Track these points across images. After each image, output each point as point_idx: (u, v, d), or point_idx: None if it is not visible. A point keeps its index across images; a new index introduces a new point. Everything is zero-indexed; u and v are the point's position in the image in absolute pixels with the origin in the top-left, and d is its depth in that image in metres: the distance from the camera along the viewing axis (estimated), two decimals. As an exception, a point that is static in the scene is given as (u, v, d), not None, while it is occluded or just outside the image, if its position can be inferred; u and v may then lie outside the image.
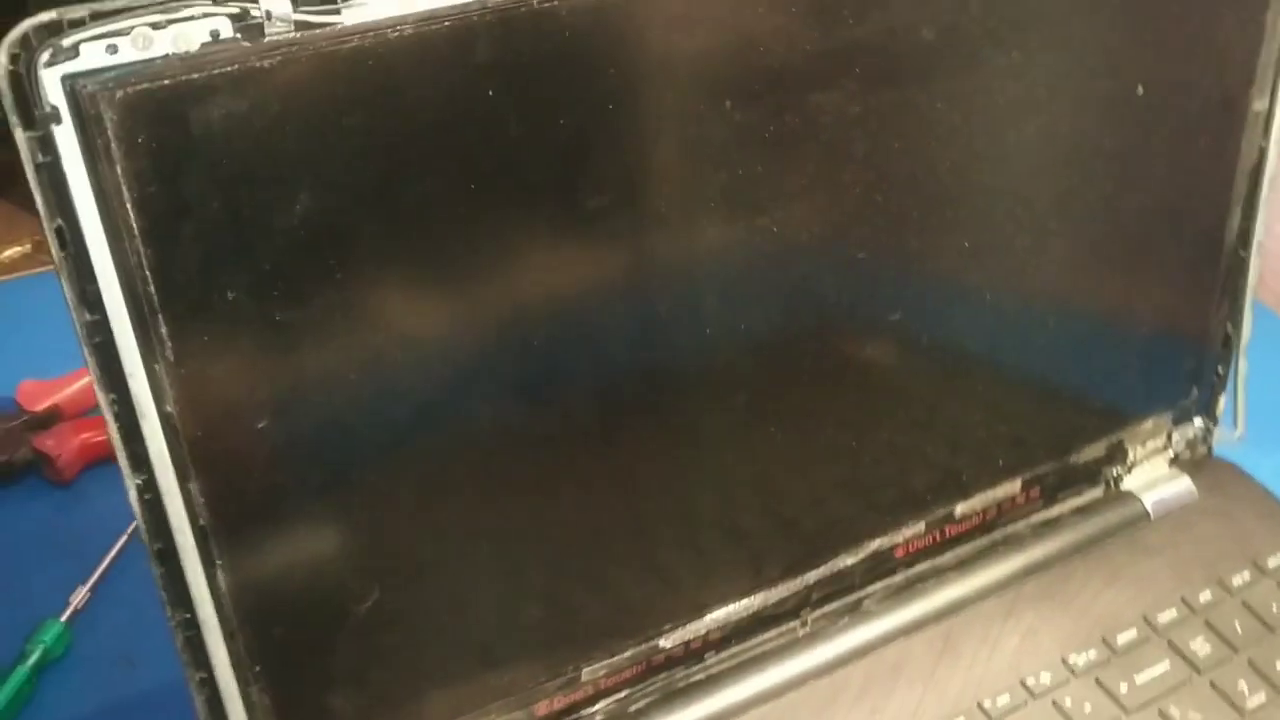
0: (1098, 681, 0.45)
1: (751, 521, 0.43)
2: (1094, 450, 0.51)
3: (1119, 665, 0.45)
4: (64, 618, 0.49)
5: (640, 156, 0.34)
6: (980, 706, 0.44)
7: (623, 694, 0.43)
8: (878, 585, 0.47)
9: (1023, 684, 0.45)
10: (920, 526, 0.47)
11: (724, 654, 0.45)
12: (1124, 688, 0.44)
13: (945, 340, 0.45)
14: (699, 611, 0.43)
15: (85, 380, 0.58)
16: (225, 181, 0.28)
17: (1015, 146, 0.43)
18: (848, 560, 0.46)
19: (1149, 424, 0.52)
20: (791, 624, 0.46)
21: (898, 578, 0.47)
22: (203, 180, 0.28)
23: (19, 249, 1.66)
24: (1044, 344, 0.47)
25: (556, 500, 0.39)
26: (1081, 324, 0.48)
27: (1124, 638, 0.46)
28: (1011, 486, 0.49)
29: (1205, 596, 0.48)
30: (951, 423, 0.46)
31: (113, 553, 0.51)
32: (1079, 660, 0.45)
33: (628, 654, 0.42)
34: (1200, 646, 0.46)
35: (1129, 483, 0.52)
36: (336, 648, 0.36)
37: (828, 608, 0.46)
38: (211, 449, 0.32)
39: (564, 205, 0.34)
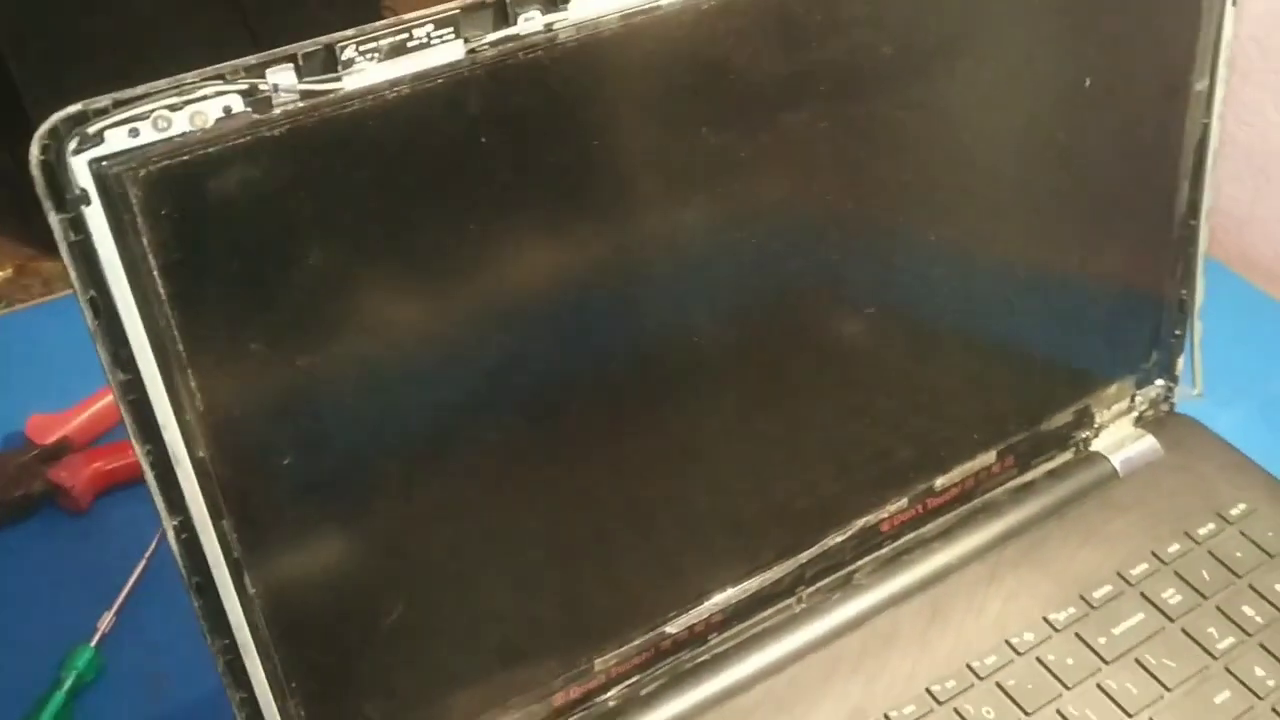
0: (1077, 636, 0.47)
1: (744, 508, 0.46)
2: (1063, 417, 0.53)
3: (1096, 619, 0.48)
4: (93, 643, 0.51)
5: (625, 183, 0.37)
6: (969, 667, 0.46)
7: (634, 679, 0.45)
8: (866, 560, 0.50)
9: (1008, 643, 0.47)
10: (903, 501, 0.49)
11: (726, 635, 0.47)
12: (1102, 640, 0.47)
13: (919, 323, 0.47)
14: (700, 597, 0.46)
15: (93, 410, 0.60)
16: (243, 243, 0.31)
17: (976, 141, 0.45)
18: (837, 538, 0.48)
19: (1113, 388, 0.54)
20: (788, 602, 0.48)
21: (885, 551, 0.50)
22: (223, 244, 0.30)
23: (2, 274, 1.65)
24: (1011, 319, 0.50)
25: (561, 504, 0.41)
26: (1046, 298, 0.50)
27: (1100, 593, 0.49)
28: (987, 457, 0.51)
29: (1174, 548, 0.51)
30: (928, 400, 0.49)
31: (134, 577, 0.53)
32: (1059, 617, 0.48)
33: (636, 642, 0.45)
34: (1171, 596, 0.49)
35: (1097, 445, 0.55)
36: (365, 660, 0.39)
37: (820, 584, 0.49)
38: (241, 488, 0.34)
39: (557, 234, 0.36)
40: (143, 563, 0.53)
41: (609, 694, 0.45)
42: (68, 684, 0.50)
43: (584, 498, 0.42)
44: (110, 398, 0.59)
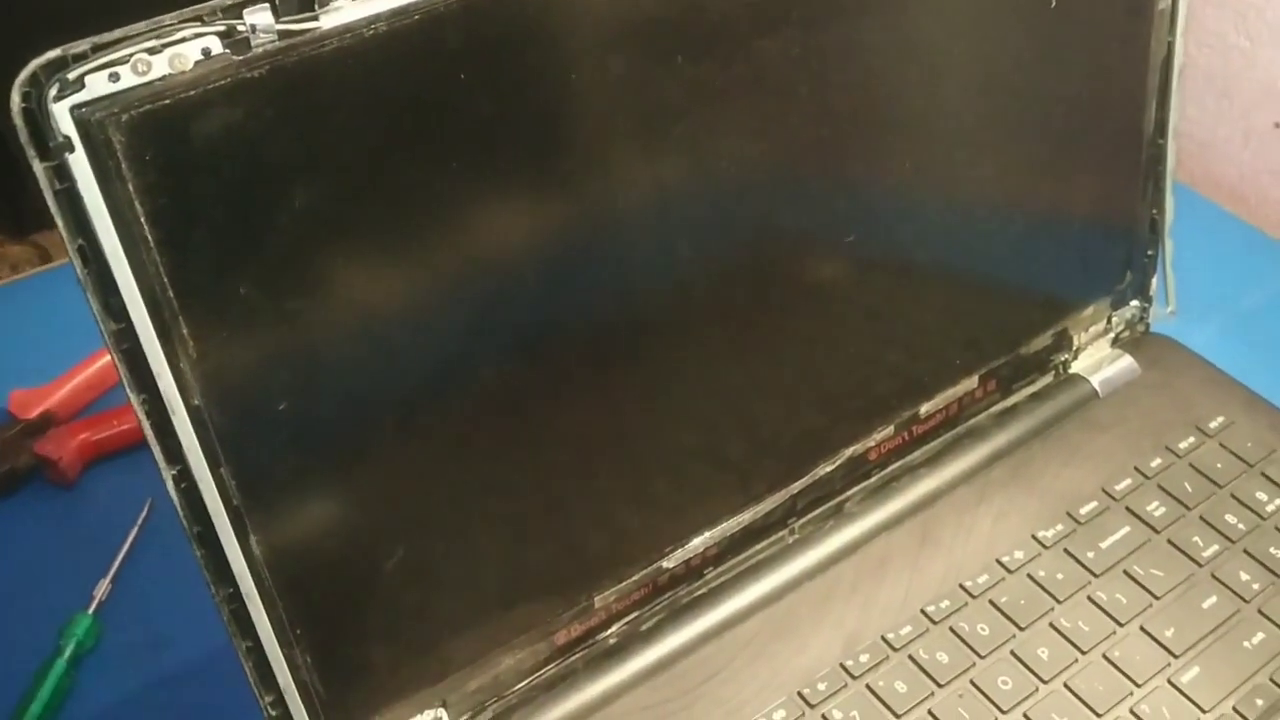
0: (1066, 552, 0.48)
1: (734, 443, 0.46)
2: (1042, 340, 0.54)
3: (1084, 535, 0.49)
4: (90, 610, 0.52)
5: (604, 115, 0.37)
6: (962, 587, 0.47)
7: (633, 615, 0.46)
8: (856, 488, 0.50)
9: (998, 562, 0.48)
10: (890, 429, 0.50)
11: (722, 568, 0.48)
12: (1091, 555, 0.48)
13: (896, 252, 0.47)
14: (695, 531, 0.46)
15: (75, 382, 0.60)
16: (228, 186, 0.30)
17: (946, 67, 0.45)
18: (826, 468, 0.49)
19: (1090, 310, 0.55)
20: (781, 533, 0.49)
21: (874, 479, 0.51)
22: (208, 187, 0.30)
23: None
24: (987, 246, 0.50)
25: (554, 444, 0.41)
26: (1020, 224, 0.51)
27: (1086, 509, 0.50)
28: (969, 382, 0.52)
29: (1156, 463, 0.52)
30: (909, 328, 0.50)
31: (128, 543, 0.53)
32: (1047, 534, 0.49)
33: (634, 578, 0.45)
34: (1156, 509, 0.50)
35: (1076, 366, 0.56)
36: (368, 604, 0.39)
37: (812, 514, 0.49)
38: (238, 435, 0.34)
39: (539, 169, 0.36)
40: (135, 529, 0.54)
41: (610, 630, 0.46)
42: (68, 652, 0.50)
43: (576, 438, 0.42)
44: (92, 370, 0.60)
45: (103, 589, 0.52)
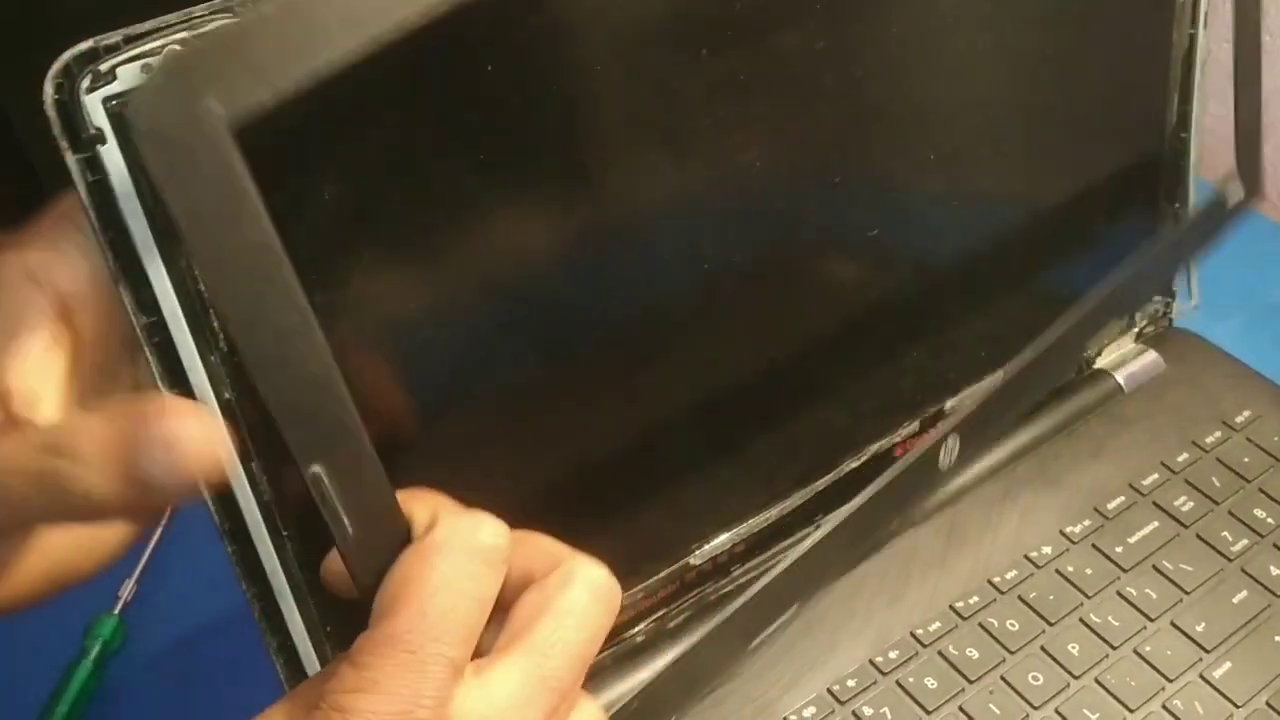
0: (1094, 547, 0.48)
1: (761, 440, 0.46)
2: (1066, 335, 0.54)
3: (1112, 530, 0.49)
4: (116, 611, 0.52)
5: (630, 104, 0.37)
6: (990, 583, 0.47)
7: (660, 613, 0.46)
8: (882, 485, 0.50)
9: (1026, 558, 0.48)
10: (915, 425, 0.50)
11: (748, 565, 0.48)
12: (1119, 550, 0.48)
13: (921, 248, 0.47)
14: (722, 529, 0.46)
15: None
16: (259, 177, 0.30)
17: (967, 60, 0.45)
18: (852, 464, 0.48)
19: (1114, 305, 0.55)
20: (807, 530, 0.49)
21: (899, 476, 0.50)
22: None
23: None
24: (1011, 242, 0.50)
25: (583, 442, 0.41)
26: (1044, 219, 0.51)
27: (1113, 504, 0.50)
28: (995, 378, 0.52)
29: (1183, 458, 0.51)
30: (935, 324, 0.49)
31: (152, 544, 0.53)
32: (1075, 529, 0.49)
33: (662, 575, 0.45)
34: (1184, 504, 0.49)
35: (1101, 362, 0.55)
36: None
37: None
38: (269, 429, 0.34)
39: (565, 163, 0.36)
40: (160, 529, 0.53)
41: (637, 628, 0.46)
42: (94, 652, 0.50)
43: (604, 435, 0.42)
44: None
45: (128, 589, 0.52)
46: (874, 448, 0.49)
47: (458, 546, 0.29)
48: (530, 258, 0.37)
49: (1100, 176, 0.52)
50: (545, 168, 0.36)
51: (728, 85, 0.38)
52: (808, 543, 0.39)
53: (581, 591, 0.30)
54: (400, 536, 0.30)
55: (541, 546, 0.32)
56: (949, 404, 0.51)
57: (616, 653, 0.45)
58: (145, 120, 0.23)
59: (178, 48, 0.28)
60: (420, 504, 0.31)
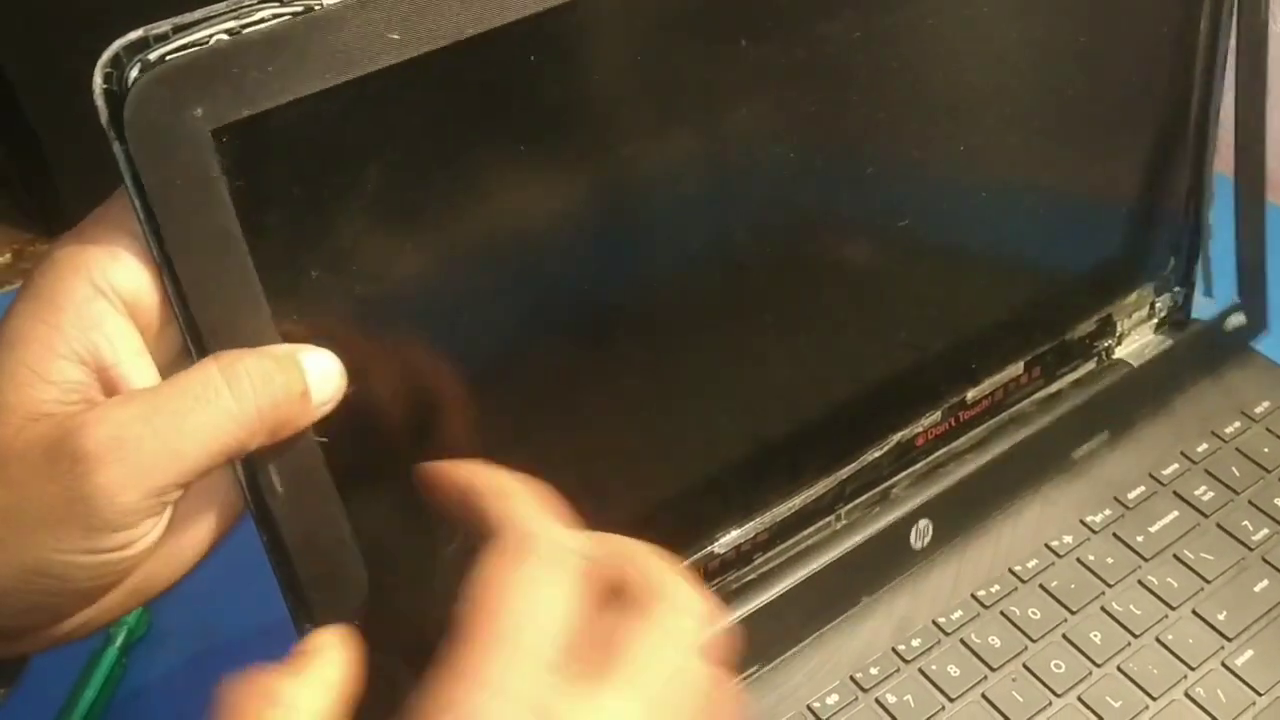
0: (1115, 536, 0.48)
1: (784, 429, 0.46)
2: (1086, 326, 0.54)
3: (1133, 520, 0.49)
4: (140, 598, 0.52)
5: (666, 93, 0.37)
6: (1012, 572, 0.47)
7: (683, 601, 0.46)
8: (903, 474, 0.50)
9: (1048, 547, 0.48)
10: (937, 415, 0.50)
11: (770, 553, 0.48)
12: (1140, 539, 0.48)
13: (945, 238, 0.47)
14: (745, 517, 0.46)
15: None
16: (304, 169, 0.31)
17: (993, 53, 0.45)
18: (874, 454, 0.49)
19: (1133, 296, 0.55)
20: (828, 519, 0.49)
21: (920, 465, 0.51)
22: (284, 170, 0.30)
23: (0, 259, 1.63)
24: (1034, 233, 0.50)
25: (608, 430, 0.42)
26: (1067, 211, 0.51)
27: (1133, 494, 0.50)
28: (1015, 368, 0.52)
29: (1203, 447, 0.52)
30: (957, 315, 0.50)
31: (176, 532, 0.53)
32: (1095, 519, 0.49)
33: (685, 563, 0.45)
34: (1204, 494, 0.50)
35: (1120, 352, 0.55)
36: (427, 591, 0.39)
37: (859, 500, 0.49)
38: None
39: (601, 147, 0.36)
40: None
41: (660, 615, 0.46)
42: (119, 640, 0.50)
43: (631, 422, 0.42)
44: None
45: None
46: (896, 437, 0.49)
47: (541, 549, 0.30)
48: (555, 245, 0.37)
49: (1123, 170, 0.52)
50: (575, 155, 0.36)
51: (762, 72, 0.38)
52: (770, 594, 0.39)
53: (688, 620, 0.31)
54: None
55: (623, 551, 0.32)
56: (970, 394, 0.51)
57: (641, 640, 0.45)
58: (133, 113, 0.26)
59: (225, 37, 0.28)
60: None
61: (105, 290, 0.29)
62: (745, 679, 0.44)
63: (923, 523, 0.46)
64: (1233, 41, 0.51)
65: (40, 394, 0.29)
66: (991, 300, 0.50)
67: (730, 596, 0.47)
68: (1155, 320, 0.56)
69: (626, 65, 0.36)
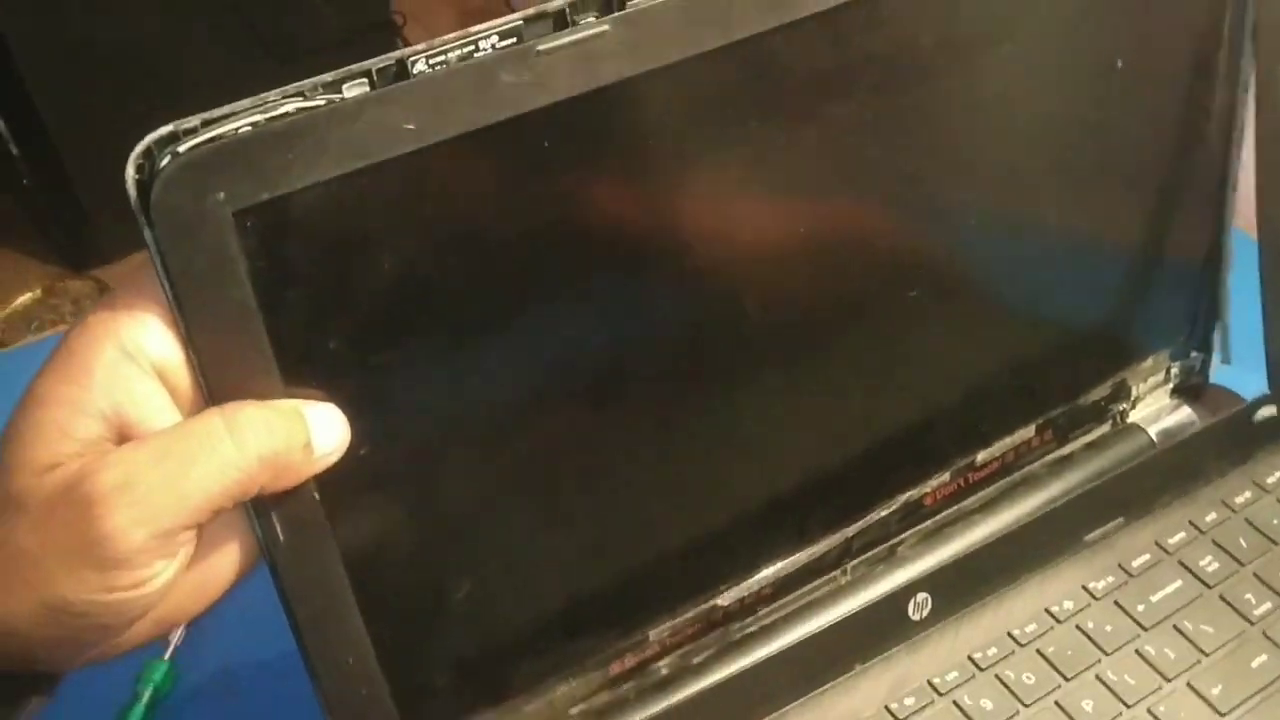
0: (1116, 604, 0.49)
1: (793, 485, 0.47)
2: (1100, 390, 0.54)
3: (1135, 587, 0.49)
4: (166, 656, 0.53)
5: (680, 172, 0.38)
6: (1010, 635, 0.48)
7: (686, 649, 0.47)
8: (910, 533, 0.51)
9: (1047, 611, 0.49)
10: (946, 476, 0.51)
11: (774, 606, 0.49)
12: (1141, 607, 0.49)
13: (960, 302, 0.48)
14: (751, 570, 0.47)
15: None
16: (323, 253, 0.32)
17: (1010, 124, 0.46)
18: (882, 512, 0.50)
19: (1149, 361, 0.55)
20: (834, 574, 0.50)
21: (928, 524, 0.52)
22: (304, 254, 0.32)
23: (30, 295, 1.67)
24: (1050, 297, 0.51)
25: (618, 484, 0.43)
26: (1083, 275, 0.52)
27: (1138, 562, 0.50)
28: (1026, 431, 0.53)
29: (1211, 517, 0.52)
30: (970, 377, 0.50)
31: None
32: (1098, 585, 0.49)
33: (689, 614, 0.47)
34: (1209, 564, 0.50)
35: (1134, 416, 0.56)
36: (436, 634, 0.41)
37: (865, 556, 0.50)
38: (324, 481, 0.36)
39: (616, 219, 0.38)
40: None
41: (662, 663, 0.47)
42: (145, 697, 0.51)
43: (639, 477, 0.43)
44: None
45: (178, 635, 0.53)
46: (905, 496, 0.50)
47: None
48: (568, 302, 0.38)
49: (1141, 235, 0.53)
50: (596, 222, 0.37)
51: (766, 144, 0.40)
52: (759, 655, 0.41)
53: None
54: None
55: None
56: (980, 456, 0.52)
57: (640, 685, 0.46)
58: (160, 196, 0.28)
59: (249, 129, 0.30)
60: None
61: (134, 354, 0.31)
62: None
63: (921, 596, 0.47)
64: (1251, 96, 0.51)
65: (64, 448, 0.31)
66: (1004, 363, 0.51)
67: (733, 647, 0.48)
68: (1171, 385, 0.57)
69: (634, 145, 0.37)
